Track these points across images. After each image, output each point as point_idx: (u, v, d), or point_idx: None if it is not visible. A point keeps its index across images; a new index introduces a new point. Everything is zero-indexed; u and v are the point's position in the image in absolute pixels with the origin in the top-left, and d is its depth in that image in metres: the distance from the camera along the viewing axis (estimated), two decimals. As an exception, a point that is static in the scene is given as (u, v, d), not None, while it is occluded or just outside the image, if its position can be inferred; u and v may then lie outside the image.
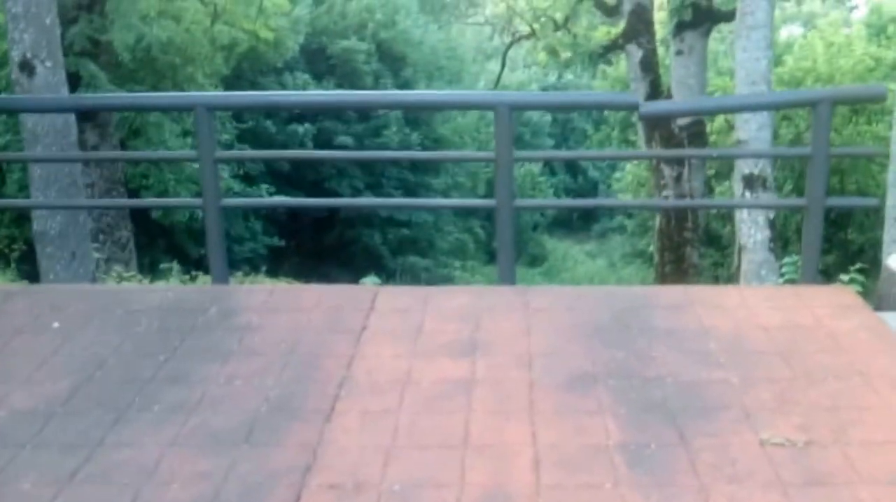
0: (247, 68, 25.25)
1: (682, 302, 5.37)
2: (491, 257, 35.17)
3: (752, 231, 9.09)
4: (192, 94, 6.01)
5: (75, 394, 4.36)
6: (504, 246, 5.78)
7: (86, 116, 16.34)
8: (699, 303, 5.34)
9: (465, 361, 4.61)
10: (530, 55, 25.81)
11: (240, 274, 16.07)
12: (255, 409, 4.18)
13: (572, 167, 45.37)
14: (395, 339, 4.91)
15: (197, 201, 6.36)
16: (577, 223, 42.37)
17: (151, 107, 6.75)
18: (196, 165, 8.60)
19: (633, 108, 5.69)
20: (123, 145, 18.63)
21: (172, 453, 3.80)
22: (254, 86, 25.60)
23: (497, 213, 5.71)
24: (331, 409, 4.16)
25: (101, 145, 16.53)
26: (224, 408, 4.21)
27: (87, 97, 8.39)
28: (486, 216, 35.30)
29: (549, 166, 42.64)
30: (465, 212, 33.41)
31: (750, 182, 9.02)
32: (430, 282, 27.33)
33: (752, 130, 8.73)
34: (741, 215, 9.30)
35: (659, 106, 5.73)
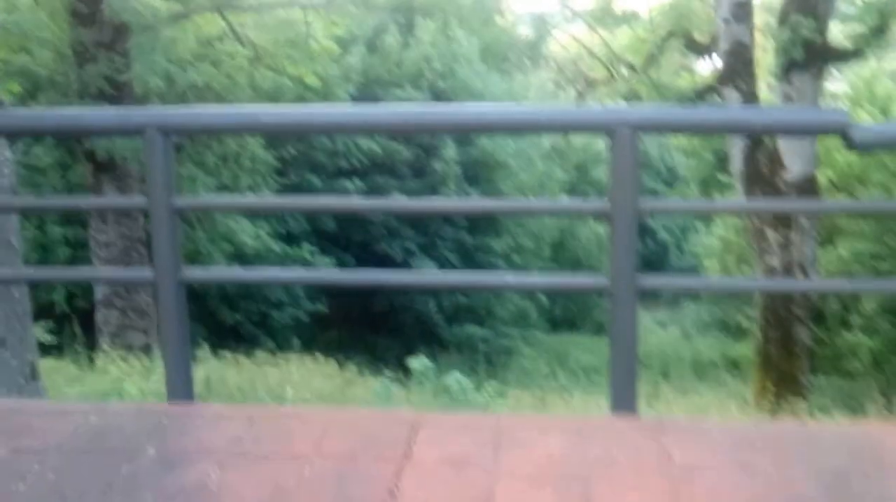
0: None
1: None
2: (553, 325, 33.15)
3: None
4: (142, 112, 3.91)
5: None
6: (621, 350, 3.57)
7: (103, 167, 14.85)
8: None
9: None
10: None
11: (259, 350, 13.98)
12: None
13: (641, 230, 43.21)
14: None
15: (145, 274, 4.17)
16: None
17: (85, 129, 4.55)
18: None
19: (838, 131, 3.45)
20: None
21: None
22: (300, 138, 23.97)
23: (610, 297, 3.54)
24: None
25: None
26: None
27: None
28: (548, 285, 33.26)
29: (615, 225, 40.67)
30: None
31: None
32: (488, 354, 25.35)
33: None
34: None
35: (884, 129, 3.43)
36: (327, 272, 4.60)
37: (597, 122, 3.49)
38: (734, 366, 24.32)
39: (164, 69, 16.77)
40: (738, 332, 25.17)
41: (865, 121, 21.33)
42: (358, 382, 13.58)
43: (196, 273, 4.00)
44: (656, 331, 34.26)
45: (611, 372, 3.57)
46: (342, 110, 3.98)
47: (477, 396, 9.88)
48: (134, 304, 14.95)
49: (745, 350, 23.38)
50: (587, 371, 25.08)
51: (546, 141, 28.76)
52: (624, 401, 3.57)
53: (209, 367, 10.87)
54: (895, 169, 18.41)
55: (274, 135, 19.00)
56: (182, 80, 17.62)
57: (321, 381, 11.68)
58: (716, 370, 24.13)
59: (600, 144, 37.83)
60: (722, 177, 23.47)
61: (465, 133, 21.25)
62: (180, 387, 3.87)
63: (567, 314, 34.56)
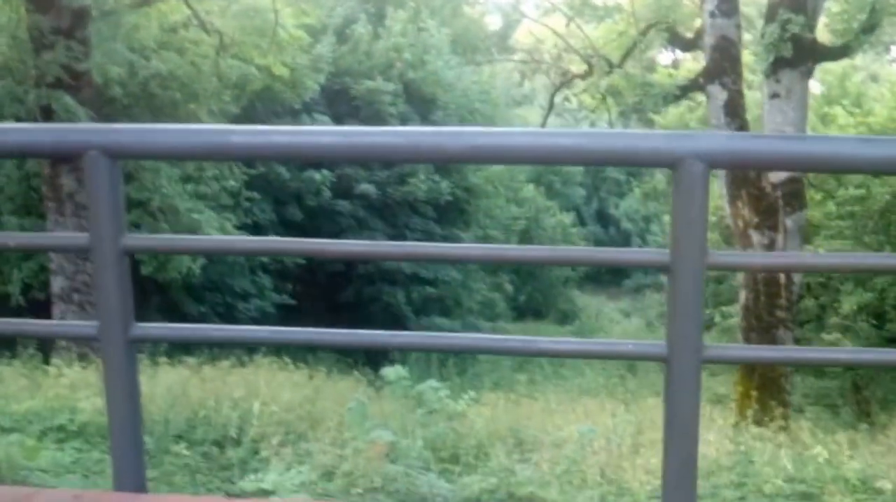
0: (260, 108, 22.81)
1: None
2: (519, 313, 33.05)
3: None
4: (83, 129, 3.18)
5: None
6: (678, 435, 2.80)
7: (63, 160, 14.19)
8: None
9: None
10: (576, 99, 23.17)
11: (224, 354, 13.32)
12: None
13: (604, 218, 43.34)
14: None
15: (89, 327, 3.38)
16: (606, 277, 40.75)
17: (11, 149, 3.70)
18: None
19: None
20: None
21: None
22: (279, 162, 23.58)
23: (669, 371, 2.83)
24: None
25: (79, 192, 14.24)
26: None
27: None
28: (513, 270, 32.99)
29: (578, 215, 40.76)
30: (494, 267, 31.23)
31: None
32: (457, 347, 25.12)
33: None
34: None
35: None
36: (303, 331, 3.68)
37: (658, 152, 2.69)
38: (700, 359, 24.14)
39: (125, 57, 16.28)
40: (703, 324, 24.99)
41: (842, 116, 21.01)
42: (328, 388, 13.04)
43: (150, 330, 3.28)
44: (621, 321, 34.53)
45: (664, 466, 2.85)
46: (336, 132, 3.18)
47: (454, 405, 9.29)
48: (93, 300, 14.32)
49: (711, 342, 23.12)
50: (553, 363, 24.89)
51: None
52: (677, 496, 2.86)
53: (171, 383, 10.17)
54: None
55: (247, 160, 17.19)
56: (144, 68, 17.02)
57: (290, 392, 11.09)
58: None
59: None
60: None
61: (488, 164, 18.64)
62: (129, 474, 3.13)
63: (532, 303, 34.67)
